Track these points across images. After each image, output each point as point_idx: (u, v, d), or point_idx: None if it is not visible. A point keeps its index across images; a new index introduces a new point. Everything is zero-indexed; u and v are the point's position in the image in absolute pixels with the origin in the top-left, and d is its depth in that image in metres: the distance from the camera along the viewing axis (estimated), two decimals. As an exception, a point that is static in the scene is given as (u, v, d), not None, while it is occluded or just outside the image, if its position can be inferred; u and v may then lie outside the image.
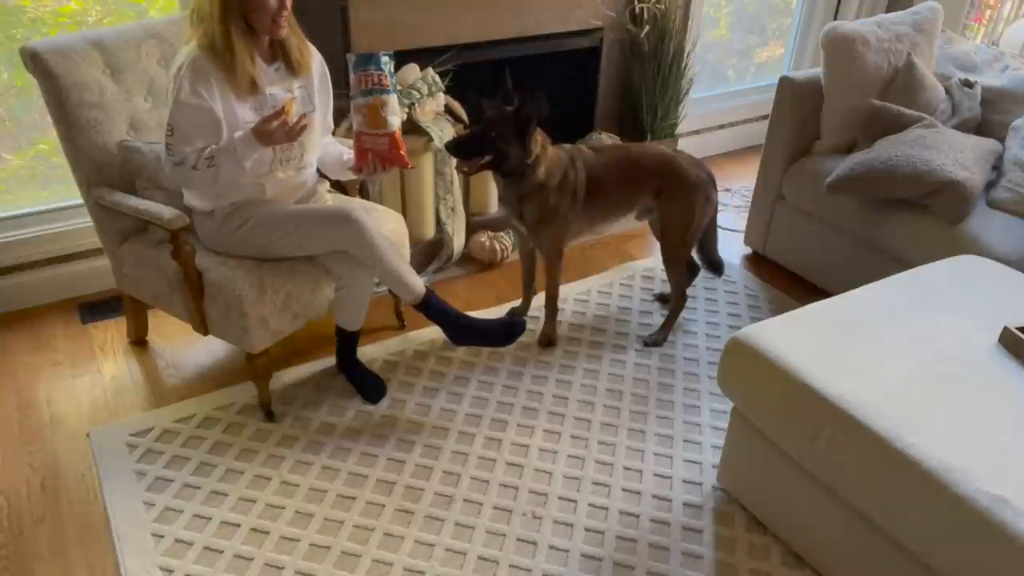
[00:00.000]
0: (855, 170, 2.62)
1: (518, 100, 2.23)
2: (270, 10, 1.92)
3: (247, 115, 2.02)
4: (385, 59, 2.09)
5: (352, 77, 2.10)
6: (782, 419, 1.80)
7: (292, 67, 2.09)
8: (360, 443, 2.20)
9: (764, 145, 3.07)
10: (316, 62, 2.17)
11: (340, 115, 2.46)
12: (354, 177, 2.30)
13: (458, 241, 3.03)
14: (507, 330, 2.27)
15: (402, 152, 2.16)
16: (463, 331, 2.24)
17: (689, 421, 2.34)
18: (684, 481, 2.13)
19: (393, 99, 2.12)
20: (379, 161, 2.16)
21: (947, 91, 2.96)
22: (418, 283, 2.20)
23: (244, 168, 1.99)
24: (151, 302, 2.36)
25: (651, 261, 3.15)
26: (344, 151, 2.28)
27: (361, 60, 2.08)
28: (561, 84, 3.39)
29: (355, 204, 2.38)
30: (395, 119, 2.14)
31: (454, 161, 2.83)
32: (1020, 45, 3.66)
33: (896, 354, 1.80)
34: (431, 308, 2.21)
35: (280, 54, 2.07)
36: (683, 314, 2.76)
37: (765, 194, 3.10)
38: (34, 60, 2.09)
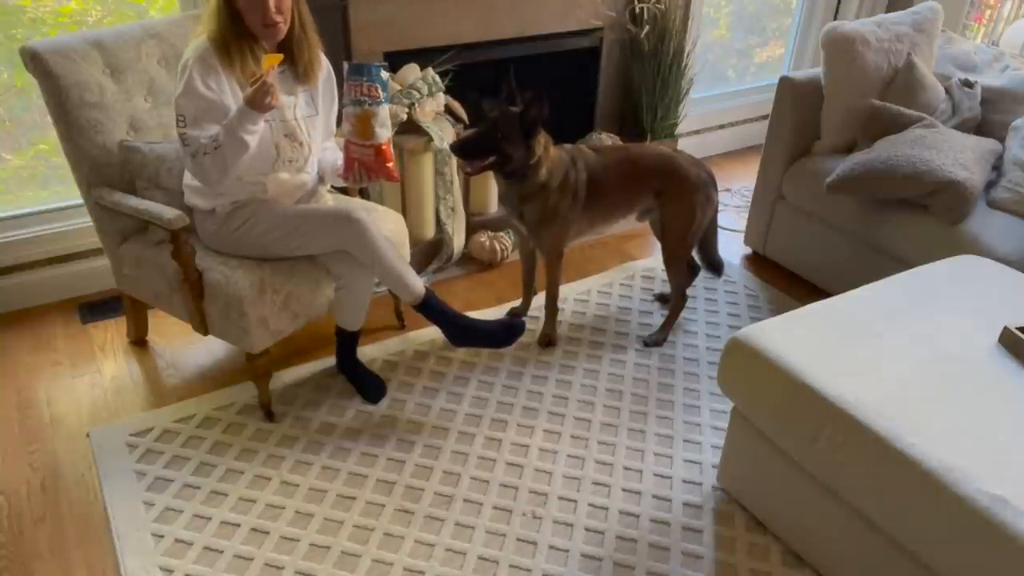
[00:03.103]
0: (855, 170, 2.62)
1: (523, 101, 2.23)
2: (258, 15, 1.94)
3: None
4: (378, 71, 2.08)
5: (345, 85, 2.11)
6: (782, 419, 1.80)
7: (299, 75, 2.10)
8: (360, 443, 2.20)
9: (764, 145, 3.07)
10: (323, 66, 2.18)
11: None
12: (343, 184, 2.31)
13: (458, 241, 3.03)
14: (506, 331, 2.28)
15: (389, 165, 2.16)
16: (462, 332, 2.25)
17: (689, 421, 2.34)
18: (684, 481, 2.13)
19: (383, 111, 2.12)
20: (364, 171, 2.16)
21: (947, 91, 2.96)
22: (418, 284, 2.20)
23: (248, 144, 1.95)
24: (151, 302, 2.36)
25: (651, 261, 3.15)
26: (338, 158, 2.28)
27: (354, 70, 2.08)
28: (561, 84, 3.39)
29: (356, 204, 2.38)
30: (383, 131, 2.13)
31: (454, 161, 2.83)
32: (1020, 45, 3.67)
33: (896, 354, 1.80)
34: (430, 309, 2.22)
35: (288, 60, 2.07)
36: (683, 314, 2.76)
37: (765, 194, 3.10)
38: (34, 60, 2.09)
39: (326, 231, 2.11)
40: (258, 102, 1.92)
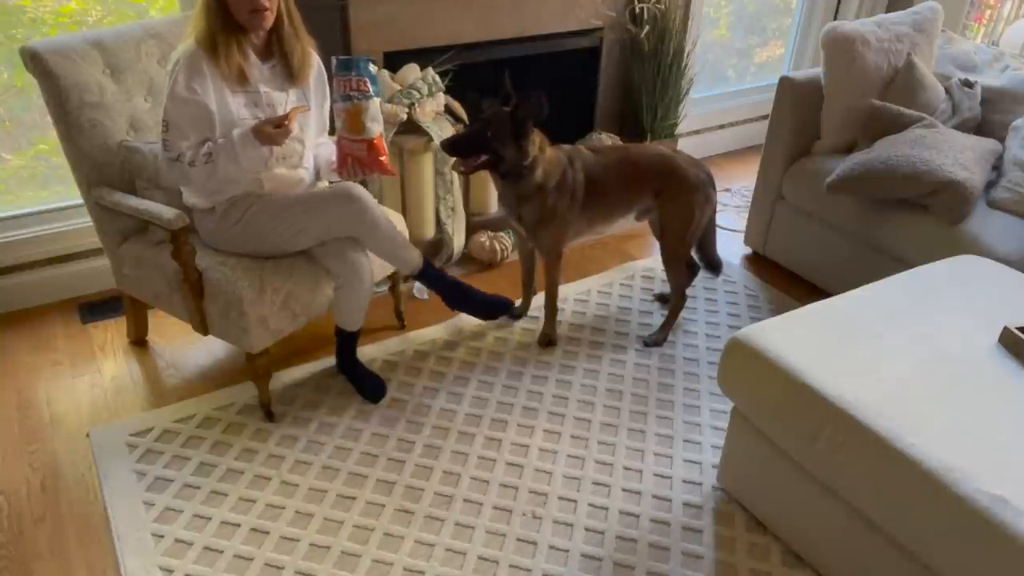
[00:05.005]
0: (855, 170, 2.62)
1: (515, 100, 2.23)
2: (245, 4, 1.94)
3: (240, 110, 2.04)
4: (366, 64, 2.07)
5: (334, 81, 2.10)
6: (782, 419, 1.80)
7: (290, 71, 2.10)
8: (360, 443, 2.20)
9: (764, 145, 3.07)
10: (314, 63, 2.18)
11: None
12: (338, 179, 2.31)
13: (458, 241, 3.03)
14: (490, 307, 2.49)
15: (382, 158, 2.16)
16: (458, 294, 2.42)
17: (689, 421, 2.34)
18: (684, 481, 2.13)
19: (374, 105, 2.12)
20: (358, 166, 2.17)
21: (947, 91, 2.96)
22: (415, 254, 2.28)
23: (241, 166, 2.03)
24: (151, 302, 2.36)
25: (651, 261, 3.15)
26: (333, 152, 2.28)
27: (342, 65, 2.07)
28: (561, 84, 3.39)
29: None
30: (375, 125, 2.13)
31: (453, 160, 2.83)
32: (1020, 45, 3.67)
33: (896, 354, 1.80)
34: (428, 276, 2.33)
35: (277, 55, 2.08)
36: (683, 314, 2.76)
37: (765, 194, 3.10)
38: (34, 60, 2.09)
39: (326, 210, 2.11)
40: (268, 139, 1.99)
